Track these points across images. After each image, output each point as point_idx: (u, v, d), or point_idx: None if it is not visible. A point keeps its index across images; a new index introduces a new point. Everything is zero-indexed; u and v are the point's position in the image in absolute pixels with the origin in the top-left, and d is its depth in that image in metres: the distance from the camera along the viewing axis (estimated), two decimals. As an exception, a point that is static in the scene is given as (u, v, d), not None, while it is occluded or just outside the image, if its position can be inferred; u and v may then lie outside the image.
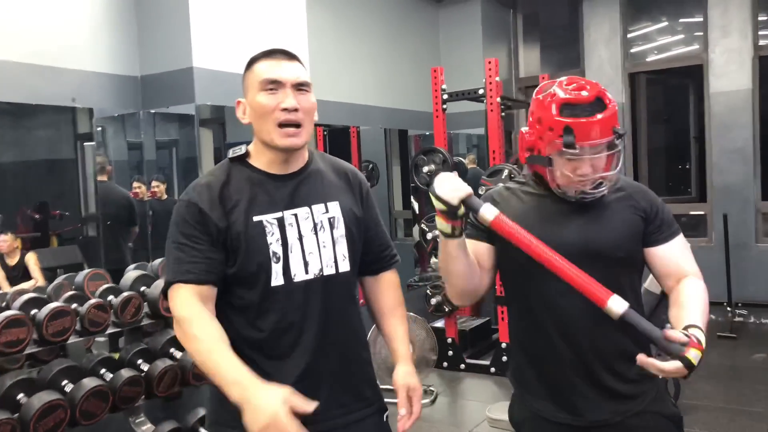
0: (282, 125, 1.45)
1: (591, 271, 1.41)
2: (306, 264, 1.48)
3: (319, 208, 1.52)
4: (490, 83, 4.58)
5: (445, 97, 4.82)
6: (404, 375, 1.58)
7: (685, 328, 1.34)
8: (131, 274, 3.00)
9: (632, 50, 6.78)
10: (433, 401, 4.22)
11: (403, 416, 1.55)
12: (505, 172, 4.44)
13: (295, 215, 1.49)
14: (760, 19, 6.04)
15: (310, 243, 1.49)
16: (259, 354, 1.46)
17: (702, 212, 6.41)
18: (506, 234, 1.42)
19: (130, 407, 2.74)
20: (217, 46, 3.42)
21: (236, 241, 1.43)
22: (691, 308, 1.44)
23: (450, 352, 4.84)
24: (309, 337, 1.47)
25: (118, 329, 2.80)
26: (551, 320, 1.53)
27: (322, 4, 5.14)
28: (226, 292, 1.47)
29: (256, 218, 1.45)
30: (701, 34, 6.29)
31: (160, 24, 3.40)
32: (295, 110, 1.45)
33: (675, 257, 1.56)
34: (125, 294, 2.77)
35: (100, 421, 2.56)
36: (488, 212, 1.41)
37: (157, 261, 3.42)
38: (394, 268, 1.72)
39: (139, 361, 2.81)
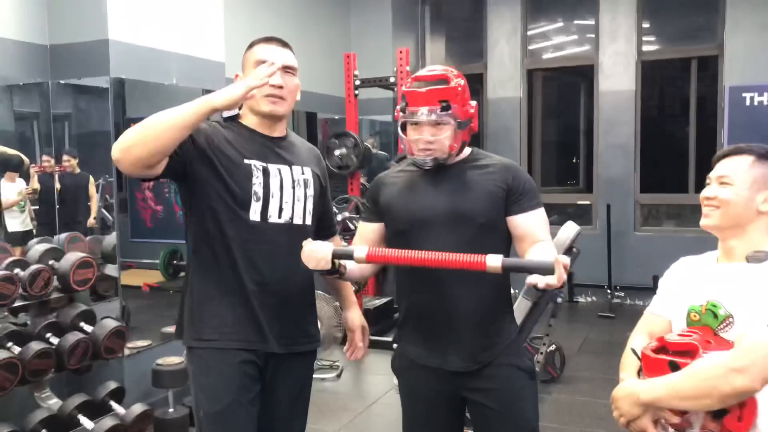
0: (267, 96, 1.75)
1: (459, 233, 1.69)
2: (281, 210, 1.78)
3: (297, 169, 1.84)
4: (401, 72, 4.75)
5: (358, 83, 4.94)
6: (359, 317, 2.06)
7: None
8: (39, 247, 2.94)
9: (531, 47, 7.18)
10: (338, 375, 4.38)
11: (359, 347, 2.04)
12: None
13: (279, 170, 1.80)
14: (643, 26, 6.58)
15: (287, 194, 1.79)
16: (226, 256, 1.73)
17: (588, 202, 6.92)
18: (382, 260, 1.63)
19: (39, 380, 2.72)
20: (132, 19, 3.36)
21: (227, 172, 1.71)
22: (540, 248, 1.65)
23: (354, 330, 4.98)
24: (270, 268, 1.75)
25: (26, 302, 2.75)
26: (426, 280, 1.73)
27: (235, -17, 5.09)
28: (214, 212, 1.72)
29: (246, 161, 1.74)
30: (593, 36, 6.77)
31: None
32: (280, 87, 1.75)
33: (532, 225, 1.75)
34: (34, 267, 2.73)
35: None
36: (360, 252, 1.59)
37: (64, 235, 3.35)
38: (337, 236, 2.08)
39: (48, 335, 2.78)
